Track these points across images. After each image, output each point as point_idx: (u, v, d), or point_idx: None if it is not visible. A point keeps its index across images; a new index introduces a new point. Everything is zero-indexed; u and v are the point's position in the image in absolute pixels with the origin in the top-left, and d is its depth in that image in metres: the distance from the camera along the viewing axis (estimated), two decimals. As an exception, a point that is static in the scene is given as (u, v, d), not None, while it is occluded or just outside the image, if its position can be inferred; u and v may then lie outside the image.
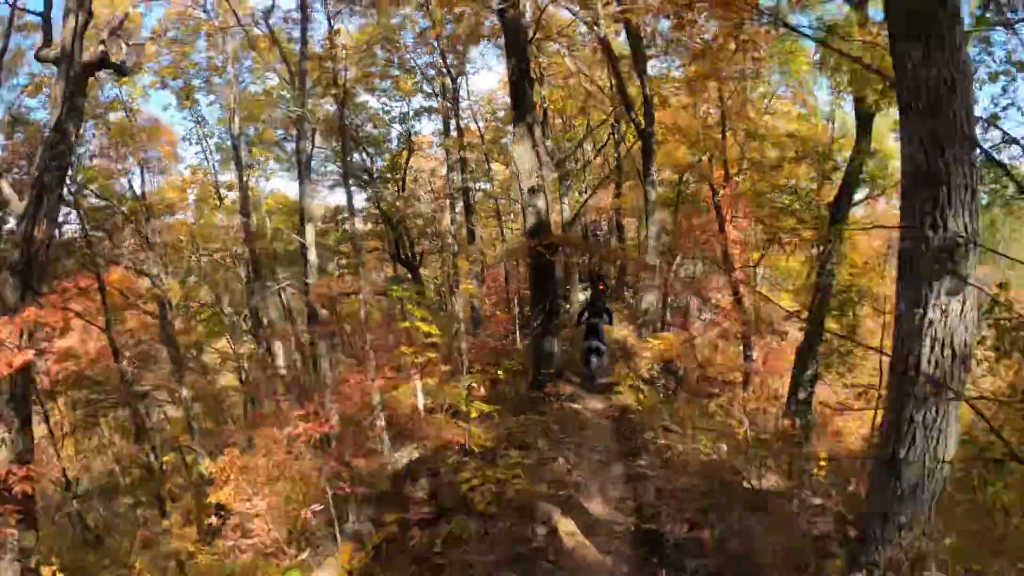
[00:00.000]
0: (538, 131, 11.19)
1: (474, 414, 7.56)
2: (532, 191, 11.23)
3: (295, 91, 13.59)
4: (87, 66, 11.28)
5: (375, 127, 22.39)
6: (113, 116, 20.15)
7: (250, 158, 22.09)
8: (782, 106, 19.45)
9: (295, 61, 14.18)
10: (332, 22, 16.18)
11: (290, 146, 21.62)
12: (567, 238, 11.67)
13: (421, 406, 15.82)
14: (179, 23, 18.14)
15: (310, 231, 12.43)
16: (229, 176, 22.96)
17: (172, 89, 20.63)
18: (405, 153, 22.51)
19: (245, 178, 22.70)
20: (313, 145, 16.72)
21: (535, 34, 10.84)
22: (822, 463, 7.40)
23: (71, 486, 16.52)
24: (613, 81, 17.02)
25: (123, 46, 14.62)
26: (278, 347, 20.43)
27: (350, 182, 22.43)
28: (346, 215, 23.51)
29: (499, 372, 9.35)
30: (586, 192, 23.76)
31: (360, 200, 23.97)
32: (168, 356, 20.36)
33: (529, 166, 11.10)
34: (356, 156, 21.51)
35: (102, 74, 18.82)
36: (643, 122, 15.47)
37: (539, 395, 11.28)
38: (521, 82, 10.93)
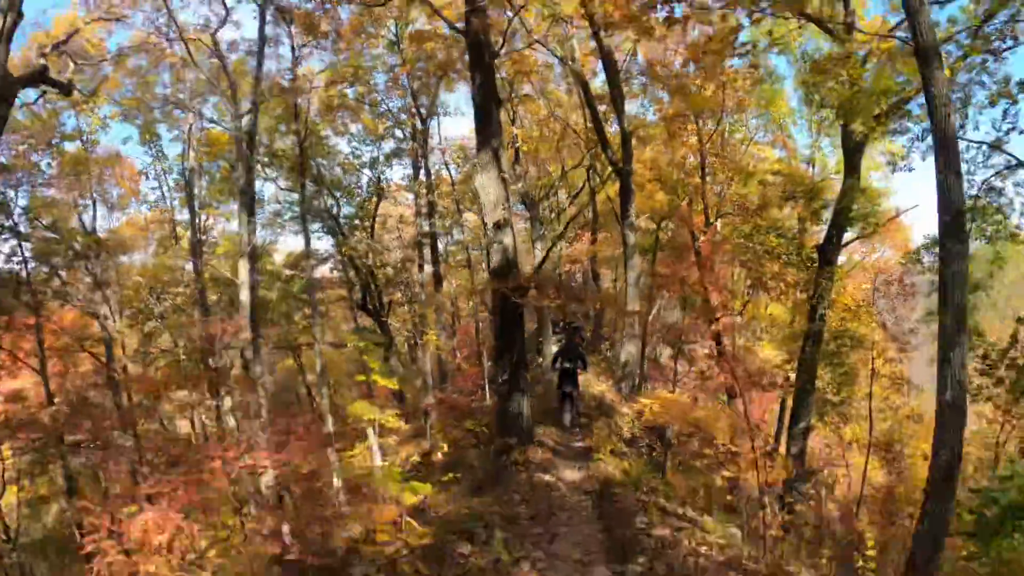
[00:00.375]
0: (505, 158, 9.46)
1: (409, 499, 5.46)
2: (498, 226, 9.42)
3: (232, 106, 11.83)
4: (23, 78, 10.30)
5: (344, 172, 20.72)
6: (71, 146, 18.37)
7: (209, 197, 20.17)
8: (759, 151, 18.23)
9: (248, 86, 12.45)
10: (296, 52, 14.67)
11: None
12: (538, 279, 9.79)
13: (379, 469, 13.55)
14: (141, 50, 16.35)
15: (244, 268, 10.45)
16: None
17: (131, 120, 18.82)
18: (374, 199, 20.80)
19: (204, 217, 20.82)
20: (248, 175, 14.73)
21: (502, 48, 9.23)
22: (870, 552, 5.39)
23: (11, 536, 14.31)
24: (589, 119, 15.56)
25: (71, 64, 13.19)
26: (227, 398, 18.01)
27: (318, 227, 20.66)
28: (312, 261, 21.60)
29: (444, 446, 7.25)
30: (561, 240, 22.14)
31: (327, 245, 22.13)
32: (115, 403, 17.98)
33: (494, 197, 9.33)
34: (323, 200, 19.71)
35: (61, 103, 17.24)
36: (621, 160, 13.91)
37: (506, 462, 9.17)
38: (487, 102, 9.27)
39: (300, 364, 25.23)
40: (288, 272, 23.02)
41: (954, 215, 6.10)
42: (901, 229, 18.07)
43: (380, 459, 13.70)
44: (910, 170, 11.71)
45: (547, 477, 8.07)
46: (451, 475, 9.55)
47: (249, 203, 11.41)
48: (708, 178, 16.37)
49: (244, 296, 10.30)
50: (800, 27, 14.93)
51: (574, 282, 27.79)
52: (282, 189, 20.54)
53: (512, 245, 9.56)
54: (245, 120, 11.52)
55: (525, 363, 10.05)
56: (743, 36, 14.72)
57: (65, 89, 12.07)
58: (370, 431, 13.44)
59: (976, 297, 11.26)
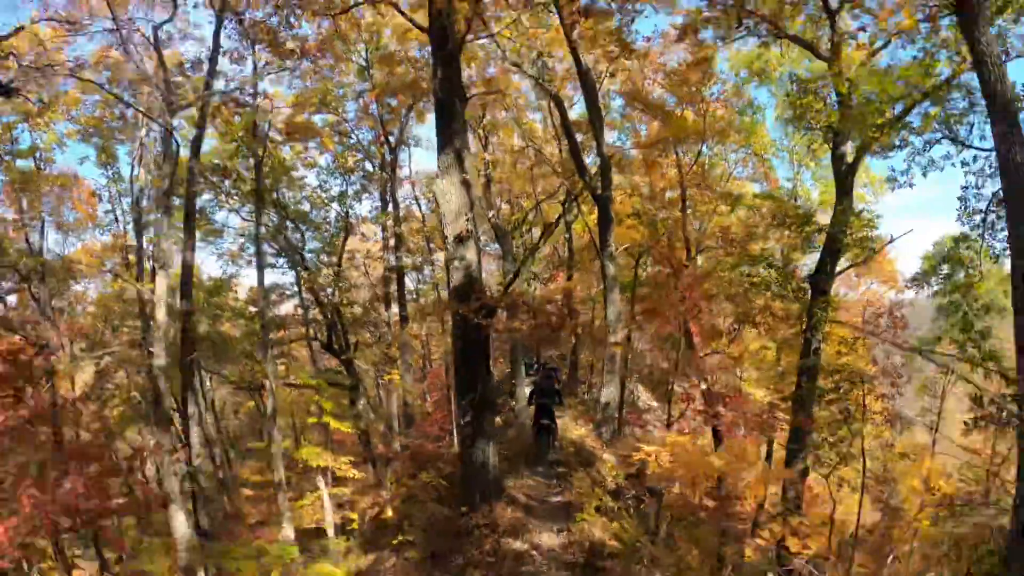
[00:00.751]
0: (469, 161, 7.84)
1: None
2: (460, 239, 7.72)
3: (164, 93, 10.19)
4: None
5: (312, 206, 19.00)
6: (25, 164, 16.49)
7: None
8: (739, 187, 16.99)
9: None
10: (257, 67, 13.28)
11: (217, 217, 18.04)
12: (507, 299, 8.00)
13: (330, 522, 11.37)
14: (100, 63, 14.65)
15: (161, 281, 8.58)
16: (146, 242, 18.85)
17: (88, 140, 16.97)
18: (342, 235, 19.05)
19: (155, 241, 18.85)
20: (188, 188, 12.81)
21: (466, 36, 7.73)
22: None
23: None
24: (566, 146, 14.19)
25: (16, 64, 11.79)
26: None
27: (283, 261, 18.77)
28: (273, 296, 19.61)
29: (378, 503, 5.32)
30: (535, 279, 20.53)
31: (292, 279, 20.15)
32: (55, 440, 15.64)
33: (456, 205, 7.68)
34: (286, 233, 17.86)
35: (15, 116, 15.50)
36: (600, 186, 12.45)
37: (470, 523, 7.17)
38: (449, 95, 7.75)
39: (264, 406, 22.87)
40: (252, 309, 21.02)
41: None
42: (888, 261, 16.90)
43: (331, 511, 11.55)
44: (911, 186, 10.38)
45: (517, 544, 6.12)
46: (403, 538, 7.53)
47: (188, 212, 9.63)
48: (688, 211, 15.05)
49: (160, 315, 8.35)
50: (782, 55, 14.01)
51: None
52: (245, 220, 18.69)
53: (476, 261, 7.86)
54: (184, 123, 9.89)
55: (492, 403, 8.20)
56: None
57: (5, 90, 10.77)
58: (320, 480, 11.30)
59: (990, 320, 9.86)
